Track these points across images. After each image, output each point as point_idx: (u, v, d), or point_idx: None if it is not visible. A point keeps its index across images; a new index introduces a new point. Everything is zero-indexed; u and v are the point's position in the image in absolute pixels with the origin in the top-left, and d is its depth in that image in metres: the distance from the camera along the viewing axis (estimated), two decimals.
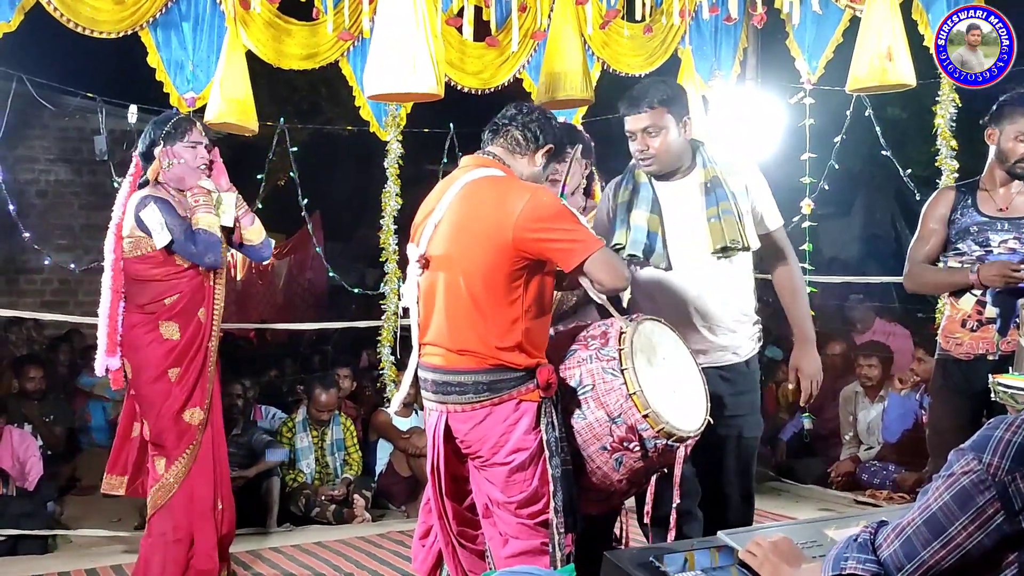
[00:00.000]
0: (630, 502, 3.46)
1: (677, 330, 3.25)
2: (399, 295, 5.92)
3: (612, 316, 3.12)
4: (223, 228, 4.09)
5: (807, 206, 6.20)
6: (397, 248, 6.11)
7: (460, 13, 5.36)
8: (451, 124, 6.62)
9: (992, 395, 3.23)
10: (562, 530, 2.95)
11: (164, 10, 5.01)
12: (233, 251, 4.34)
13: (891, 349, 6.87)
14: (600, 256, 2.91)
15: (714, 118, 6.30)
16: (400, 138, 6.12)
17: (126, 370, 4.03)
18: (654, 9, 6.05)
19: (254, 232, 4.26)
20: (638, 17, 5.88)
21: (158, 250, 3.92)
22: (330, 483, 6.00)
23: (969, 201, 3.86)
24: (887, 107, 8.24)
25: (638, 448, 2.96)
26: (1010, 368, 3.44)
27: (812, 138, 6.26)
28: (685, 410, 3.04)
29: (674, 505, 3.11)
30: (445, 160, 6.62)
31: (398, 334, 5.97)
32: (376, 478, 6.21)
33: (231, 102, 4.89)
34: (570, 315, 3.50)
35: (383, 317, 6.23)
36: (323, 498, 5.82)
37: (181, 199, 4.02)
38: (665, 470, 3.13)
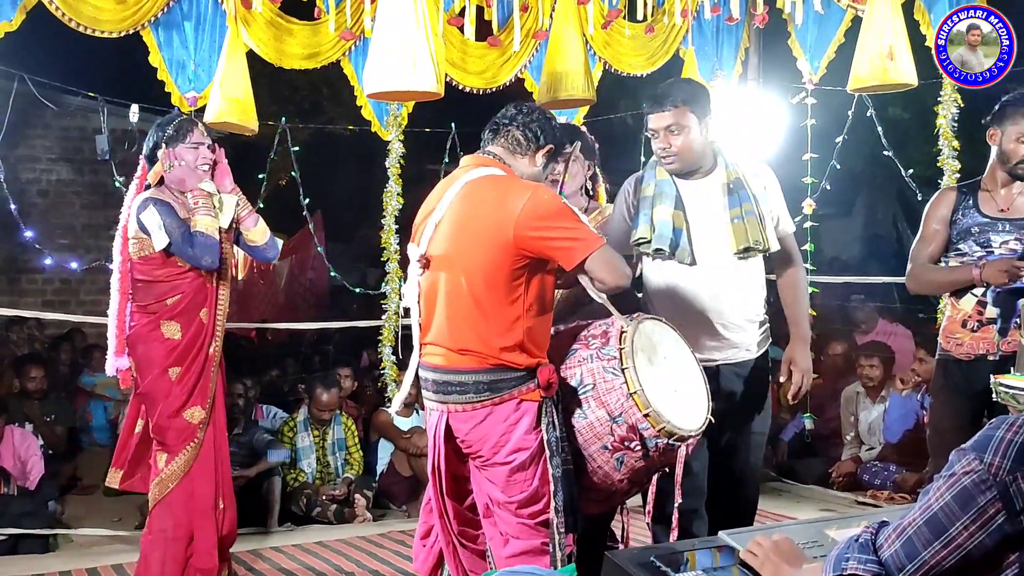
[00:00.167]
0: (632, 501, 3.46)
1: (684, 329, 3.29)
2: (400, 295, 5.91)
3: (612, 315, 3.12)
4: (225, 229, 4.11)
5: (808, 206, 6.20)
6: (398, 248, 6.11)
7: (462, 12, 5.37)
8: (452, 124, 6.62)
9: (993, 395, 3.23)
10: (563, 530, 2.95)
11: (166, 9, 5.00)
12: (237, 251, 4.35)
13: (892, 349, 6.87)
14: (601, 254, 2.91)
15: (716, 118, 6.29)
16: (402, 138, 6.13)
17: (133, 370, 4.09)
18: (656, 9, 6.05)
19: (257, 233, 4.26)
20: (640, 17, 5.88)
21: (157, 252, 3.95)
22: (331, 483, 6.00)
23: (970, 202, 3.86)
24: (889, 107, 8.24)
25: (639, 447, 2.96)
26: (1011, 368, 3.45)
27: (814, 138, 6.25)
28: (686, 409, 3.05)
29: (676, 504, 3.11)
30: (447, 160, 6.62)
31: (399, 334, 5.97)
32: (377, 478, 6.21)
33: (231, 101, 4.89)
34: (568, 315, 3.51)
35: (384, 317, 6.23)
36: (324, 498, 5.82)
37: (184, 201, 4.03)
38: (667, 469, 3.13)
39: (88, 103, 6.25)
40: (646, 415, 2.91)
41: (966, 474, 1.72)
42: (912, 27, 5.11)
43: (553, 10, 5.37)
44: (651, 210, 3.49)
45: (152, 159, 4.08)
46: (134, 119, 5.60)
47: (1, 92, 5.28)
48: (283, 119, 6.29)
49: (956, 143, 5.65)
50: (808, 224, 6.17)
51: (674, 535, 3.15)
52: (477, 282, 2.94)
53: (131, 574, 4.30)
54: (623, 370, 2.93)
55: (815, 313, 6.26)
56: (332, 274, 7.29)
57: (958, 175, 5.57)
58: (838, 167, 6.28)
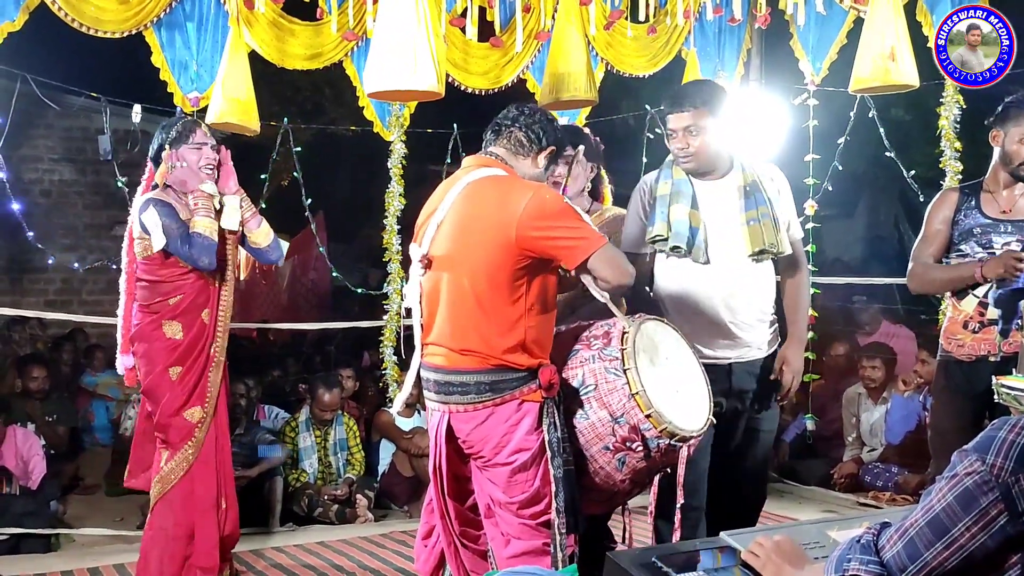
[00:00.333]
0: (633, 502, 3.46)
1: (698, 327, 3.33)
2: (402, 295, 5.92)
3: (613, 314, 3.12)
4: (230, 231, 4.13)
5: (810, 207, 6.20)
6: (400, 248, 6.12)
7: (464, 13, 5.37)
8: (455, 124, 6.62)
9: (995, 397, 3.22)
10: (564, 530, 2.95)
11: (168, 10, 5.01)
12: (240, 251, 4.37)
13: (894, 351, 6.86)
14: (604, 252, 2.92)
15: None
16: (404, 138, 6.13)
17: (137, 368, 4.13)
18: (658, 10, 6.06)
19: (260, 235, 4.28)
20: (642, 18, 5.88)
21: (156, 252, 3.98)
22: (333, 483, 6.00)
23: (973, 203, 3.86)
24: (891, 108, 8.23)
25: (641, 448, 2.96)
26: (1013, 369, 3.44)
27: (816, 139, 6.25)
28: (688, 410, 3.05)
29: (678, 505, 3.11)
30: (449, 160, 6.61)
31: (401, 334, 5.97)
32: (379, 478, 6.21)
33: (233, 102, 4.89)
34: (568, 314, 3.52)
35: (386, 317, 6.23)
36: (326, 498, 5.82)
37: (187, 202, 4.05)
38: (668, 470, 3.13)
39: (90, 103, 6.24)
40: (648, 416, 2.91)
41: (968, 475, 1.72)
42: (914, 28, 5.10)
43: (555, 11, 5.37)
44: (668, 208, 3.52)
45: (157, 160, 4.12)
46: (136, 119, 5.61)
47: (4, 92, 5.28)
48: (285, 120, 6.29)
49: (958, 144, 5.64)
50: (810, 225, 6.16)
51: (677, 535, 3.16)
52: (479, 282, 2.94)
53: (132, 574, 4.31)
54: (625, 371, 2.94)
55: (816, 314, 6.27)
56: (334, 274, 7.29)
57: (960, 176, 5.56)
58: (840, 168, 6.27)
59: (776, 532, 2.13)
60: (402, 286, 5.99)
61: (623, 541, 3.52)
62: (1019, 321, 3.55)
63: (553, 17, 5.46)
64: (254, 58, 5.15)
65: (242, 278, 10.62)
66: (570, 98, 5.02)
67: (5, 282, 9.83)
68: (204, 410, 4.12)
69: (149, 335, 4.06)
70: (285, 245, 4.56)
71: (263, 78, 5.47)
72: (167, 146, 4.07)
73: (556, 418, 2.96)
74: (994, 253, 3.74)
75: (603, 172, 4.12)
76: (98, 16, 4.78)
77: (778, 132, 6.44)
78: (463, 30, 5.37)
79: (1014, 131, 3.72)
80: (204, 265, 3.99)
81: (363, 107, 5.90)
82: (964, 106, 5.63)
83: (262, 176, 6.49)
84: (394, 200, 6.16)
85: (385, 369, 6.27)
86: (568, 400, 3.02)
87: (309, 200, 6.39)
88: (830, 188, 6.29)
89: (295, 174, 6.29)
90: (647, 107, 6.65)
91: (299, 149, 6.26)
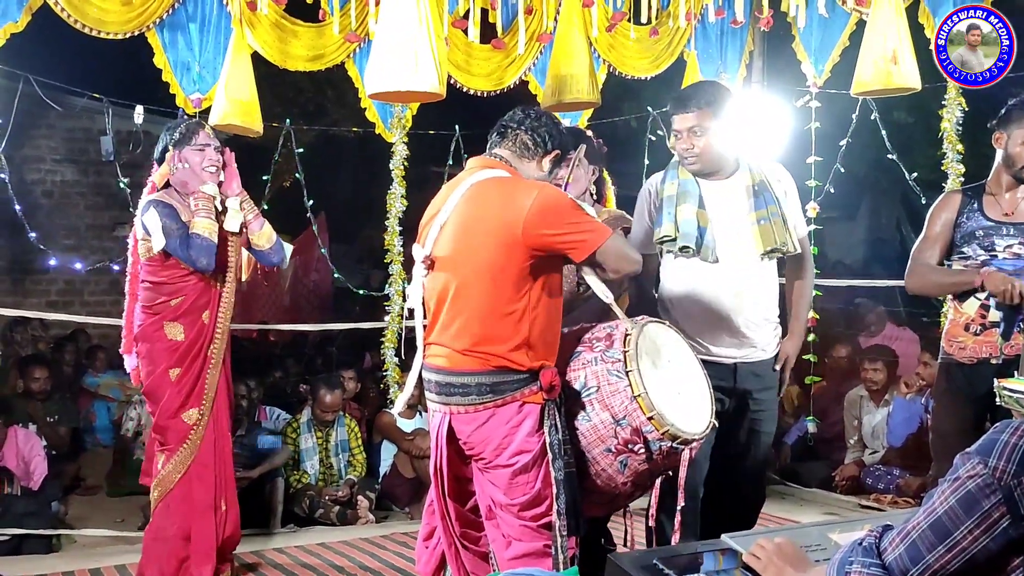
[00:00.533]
0: (635, 504, 3.46)
1: (705, 327, 3.34)
2: (404, 296, 5.93)
3: (609, 313, 3.13)
4: (232, 233, 4.14)
5: (812, 209, 6.19)
6: (402, 250, 6.12)
7: (466, 15, 5.37)
8: (457, 126, 6.62)
9: (997, 399, 3.22)
10: (565, 532, 2.95)
11: (171, 11, 5.02)
12: (244, 252, 4.39)
13: (896, 353, 6.86)
14: (610, 243, 2.96)
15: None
16: (406, 140, 6.13)
17: (140, 368, 4.16)
18: (660, 12, 6.06)
19: (263, 237, 4.30)
20: (644, 20, 5.88)
21: (158, 253, 3.99)
22: (334, 484, 6.00)
23: (975, 205, 3.85)
24: (893, 111, 8.21)
25: (643, 450, 2.96)
26: (1014, 372, 3.44)
27: (818, 141, 6.25)
28: (690, 412, 3.05)
29: (678, 508, 3.11)
30: (450, 162, 6.62)
31: (403, 335, 5.97)
32: (380, 479, 6.21)
33: (236, 103, 4.89)
34: (565, 313, 3.52)
35: (387, 319, 6.24)
36: (327, 499, 5.82)
37: (189, 203, 4.06)
38: (670, 473, 3.13)
39: (93, 104, 6.26)
40: (650, 418, 2.91)
41: (970, 478, 1.72)
42: (917, 31, 5.10)
43: (558, 13, 5.37)
44: (675, 209, 3.54)
45: (162, 161, 4.15)
46: (139, 120, 5.61)
47: (6, 93, 5.29)
48: (287, 121, 6.30)
49: (960, 147, 5.63)
50: (812, 227, 6.14)
51: (677, 537, 3.16)
52: (484, 283, 2.95)
53: (133, 575, 4.31)
54: (627, 373, 2.94)
55: (817, 316, 6.27)
56: (336, 276, 7.29)
57: (962, 179, 5.55)
58: (842, 170, 6.26)
59: (777, 534, 2.12)
60: (403, 287, 6.00)
61: (624, 543, 3.52)
62: (1021, 324, 3.56)
63: (555, 19, 5.46)
64: (256, 59, 5.15)
65: (243, 279, 10.63)
66: (572, 100, 5.02)
67: (7, 283, 9.84)
68: (201, 412, 4.13)
69: (151, 336, 4.08)
70: (289, 248, 4.56)
71: (265, 79, 5.48)
72: (170, 147, 4.09)
73: (557, 420, 2.96)
74: (996, 256, 3.73)
75: (606, 174, 4.12)
76: (101, 17, 4.79)
77: (780, 134, 6.44)
78: (465, 32, 5.37)
79: (1017, 133, 3.72)
80: (202, 266, 4.00)
81: (365, 108, 5.90)
82: (966, 108, 5.63)
83: (264, 177, 6.50)
84: (396, 201, 6.17)
85: (386, 370, 6.27)
86: (570, 402, 3.02)
87: (311, 201, 6.40)
88: (832, 190, 6.28)
89: (297, 175, 6.30)
90: (649, 109, 6.65)
91: (301, 150, 6.26)
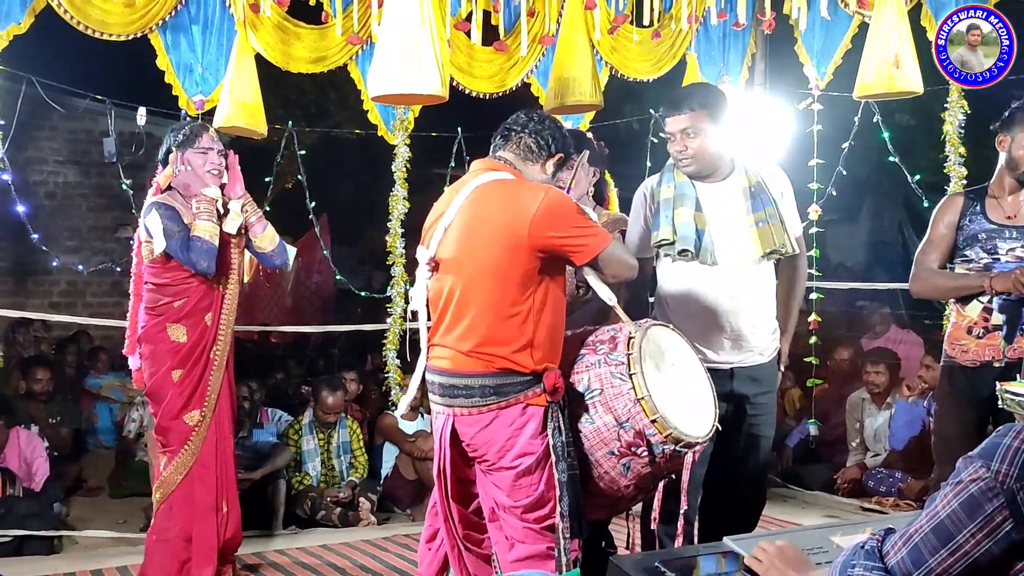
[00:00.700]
0: (637, 507, 3.46)
1: (703, 331, 3.33)
2: (406, 298, 5.93)
3: (610, 315, 3.14)
4: (233, 235, 4.14)
5: (814, 212, 6.20)
6: (404, 252, 6.13)
7: (469, 17, 5.37)
8: (459, 128, 6.63)
9: (999, 402, 3.21)
10: (568, 535, 2.95)
11: (173, 13, 5.03)
12: (246, 254, 4.39)
13: (898, 356, 6.86)
14: (611, 249, 2.99)
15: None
16: (408, 142, 6.14)
17: (144, 369, 4.16)
18: (662, 14, 6.06)
19: (265, 239, 4.30)
20: (646, 22, 5.87)
21: (160, 255, 4.00)
22: (336, 486, 6.00)
23: (978, 208, 3.85)
24: (895, 113, 8.21)
25: (646, 453, 2.96)
26: (1017, 375, 3.43)
27: (820, 144, 6.25)
28: (693, 416, 3.05)
29: (681, 511, 3.11)
30: (453, 164, 6.63)
31: (406, 337, 5.97)
32: (382, 481, 6.20)
33: (240, 105, 4.90)
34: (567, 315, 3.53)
35: (389, 320, 6.24)
36: (329, 501, 5.82)
37: (191, 206, 4.07)
38: (673, 476, 3.13)
39: (95, 106, 6.26)
40: (653, 421, 2.91)
41: (973, 482, 1.72)
42: (919, 34, 5.10)
43: (560, 15, 5.37)
44: (672, 212, 3.53)
45: (166, 163, 4.15)
46: (141, 122, 5.62)
47: (9, 94, 5.29)
48: (290, 123, 6.31)
49: (962, 149, 5.63)
50: (814, 230, 6.16)
51: (679, 540, 3.16)
52: (488, 284, 2.95)
53: None
54: (631, 375, 2.94)
55: (819, 319, 6.27)
56: (338, 277, 7.30)
57: (964, 182, 5.55)
58: (844, 173, 6.27)
59: (779, 537, 2.12)
60: (406, 289, 6.00)
61: (626, 546, 3.51)
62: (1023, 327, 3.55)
63: (558, 21, 5.46)
64: (258, 61, 5.16)
65: (246, 281, 10.64)
66: (575, 102, 5.02)
67: (10, 284, 9.85)
68: (202, 413, 4.13)
69: (154, 337, 4.08)
70: (292, 251, 4.56)
71: (268, 81, 5.49)
72: (174, 148, 4.10)
73: (561, 422, 2.97)
74: (999, 259, 3.73)
75: (608, 176, 4.13)
76: (103, 19, 4.80)
77: (782, 137, 6.45)
78: (468, 34, 5.37)
79: (1020, 136, 3.71)
80: (203, 269, 4.00)
81: (367, 110, 5.91)
82: (968, 111, 5.63)
83: (266, 179, 6.50)
84: (398, 203, 6.17)
85: (388, 372, 6.28)
86: (573, 404, 3.02)
87: (313, 203, 6.41)
88: (834, 193, 6.29)
89: (299, 177, 6.31)
90: (651, 111, 6.66)
91: (303, 152, 6.28)
